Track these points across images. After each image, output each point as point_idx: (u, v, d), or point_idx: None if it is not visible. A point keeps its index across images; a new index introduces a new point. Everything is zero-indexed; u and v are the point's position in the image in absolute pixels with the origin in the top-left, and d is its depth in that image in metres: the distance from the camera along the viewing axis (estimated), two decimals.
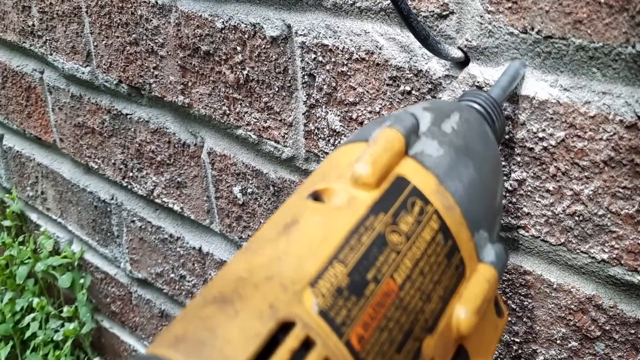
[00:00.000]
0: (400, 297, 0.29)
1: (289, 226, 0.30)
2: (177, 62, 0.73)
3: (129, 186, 0.92)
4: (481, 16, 0.46)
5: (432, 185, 0.34)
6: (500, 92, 0.43)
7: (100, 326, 1.18)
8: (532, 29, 0.43)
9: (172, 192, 0.85)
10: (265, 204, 0.72)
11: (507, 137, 0.48)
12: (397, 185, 0.32)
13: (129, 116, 0.86)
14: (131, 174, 0.90)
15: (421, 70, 0.51)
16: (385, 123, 0.35)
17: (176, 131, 0.79)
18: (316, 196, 0.32)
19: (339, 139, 0.60)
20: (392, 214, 0.31)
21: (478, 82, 0.48)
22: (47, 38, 0.93)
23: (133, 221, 0.96)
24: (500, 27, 0.45)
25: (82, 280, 1.12)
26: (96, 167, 0.97)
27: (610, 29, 0.40)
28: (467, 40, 0.47)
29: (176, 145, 0.80)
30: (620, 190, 0.43)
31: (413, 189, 0.33)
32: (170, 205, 0.86)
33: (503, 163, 0.49)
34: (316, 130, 0.62)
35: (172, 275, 0.93)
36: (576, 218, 0.46)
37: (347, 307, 0.28)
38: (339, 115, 0.59)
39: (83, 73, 0.89)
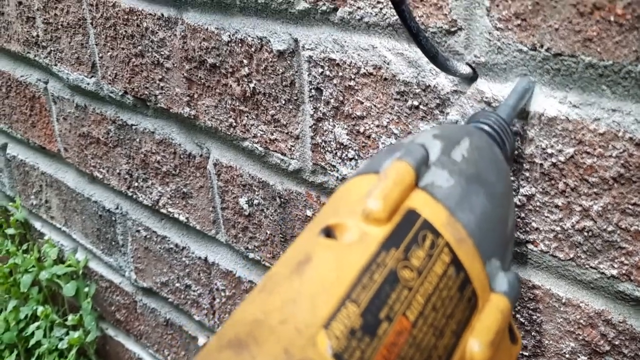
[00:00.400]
0: (413, 334, 0.29)
1: (302, 264, 0.30)
2: (183, 74, 0.73)
3: (134, 196, 0.92)
4: (490, 33, 0.46)
5: (442, 217, 0.33)
6: (510, 111, 0.43)
7: (105, 334, 1.18)
8: (542, 46, 0.44)
9: (177, 202, 0.85)
10: (271, 215, 0.72)
11: (516, 152, 0.48)
12: (408, 219, 0.32)
13: (134, 127, 0.86)
14: (136, 184, 0.90)
15: (429, 86, 0.51)
16: (395, 154, 0.35)
17: (182, 142, 0.79)
18: (328, 232, 0.32)
19: (346, 152, 0.60)
20: (404, 249, 0.31)
21: (486, 98, 0.48)
22: (52, 49, 0.93)
23: (138, 231, 0.96)
24: (509, 44, 0.45)
25: (86, 289, 1.12)
26: (101, 176, 0.97)
27: (621, 47, 0.40)
28: (475, 56, 0.47)
29: (182, 156, 0.80)
30: (630, 206, 0.43)
31: (424, 222, 0.32)
32: (176, 216, 0.86)
33: (512, 178, 0.49)
34: (323, 143, 0.62)
35: (177, 284, 0.93)
36: (585, 234, 0.46)
37: (360, 349, 0.27)
38: (346, 129, 0.59)
39: (88, 84, 0.89)
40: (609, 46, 0.40)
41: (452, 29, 0.48)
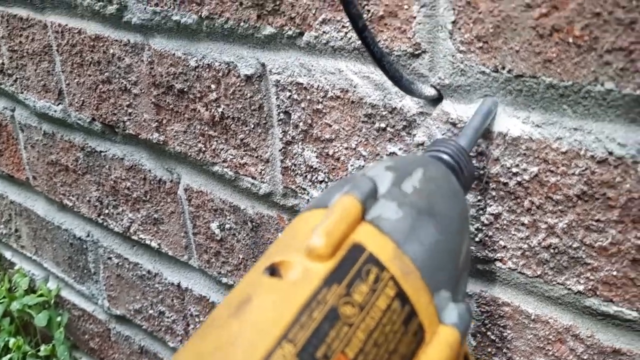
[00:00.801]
0: None
1: (241, 306, 0.29)
2: (151, 100, 0.73)
3: (105, 223, 0.91)
4: (453, 55, 0.47)
5: (389, 250, 0.33)
6: (470, 137, 0.44)
7: None
8: (503, 68, 0.44)
9: (149, 228, 0.84)
10: (243, 239, 0.72)
11: (482, 172, 0.49)
12: (353, 254, 0.32)
13: (103, 153, 0.85)
14: (107, 211, 0.90)
15: (395, 108, 0.52)
16: (344, 189, 0.35)
17: (152, 168, 0.79)
18: (273, 270, 0.31)
19: (316, 175, 0.60)
20: (346, 285, 0.30)
21: (452, 119, 0.49)
22: (18, 76, 0.92)
23: (110, 258, 0.95)
24: (472, 66, 0.46)
25: (59, 318, 1.11)
26: (71, 204, 0.96)
27: (580, 68, 0.41)
28: (439, 78, 0.48)
29: (152, 182, 0.80)
30: (594, 223, 0.44)
31: (369, 257, 0.32)
32: (148, 242, 0.86)
33: (478, 197, 0.50)
34: (293, 167, 0.62)
35: (151, 311, 0.93)
36: (552, 250, 0.47)
37: None
38: (315, 152, 0.59)
39: (55, 111, 0.89)
40: (569, 67, 0.41)
41: (416, 52, 0.49)
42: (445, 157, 0.43)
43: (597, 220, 0.44)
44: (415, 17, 0.48)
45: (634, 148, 0.41)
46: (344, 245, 0.32)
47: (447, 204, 0.38)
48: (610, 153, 0.42)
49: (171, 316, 0.89)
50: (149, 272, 0.89)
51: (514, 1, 0.42)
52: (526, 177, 0.46)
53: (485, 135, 0.47)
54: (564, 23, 0.41)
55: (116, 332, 1.03)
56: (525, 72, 0.44)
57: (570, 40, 0.41)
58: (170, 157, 0.76)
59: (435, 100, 0.50)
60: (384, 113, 0.53)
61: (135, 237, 0.87)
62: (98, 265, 0.99)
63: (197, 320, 0.86)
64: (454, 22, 0.46)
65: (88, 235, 0.97)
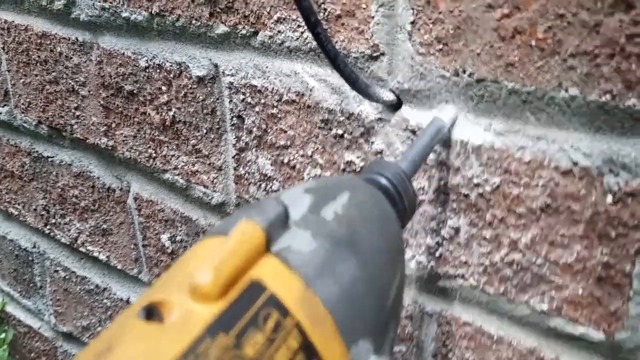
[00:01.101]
0: None
1: (102, 355, 0.24)
2: (100, 102, 0.70)
3: (52, 233, 0.89)
4: (412, 58, 0.45)
5: (295, 290, 0.28)
6: (414, 158, 0.42)
7: None
8: (464, 71, 0.43)
9: (97, 239, 0.82)
10: None
11: (442, 183, 0.47)
12: (249, 294, 0.27)
13: (50, 159, 0.83)
14: (54, 221, 0.87)
15: (353, 114, 0.50)
16: (248, 213, 0.30)
17: (100, 175, 0.77)
18: (150, 311, 0.26)
19: (271, 184, 0.59)
20: (237, 334, 0.25)
21: (411, 126, 0.47)
22: None
23: (57, 271, 0.92)
24: (432, 70, 0.45)
25: (3, 335, 1.07)
26: (17, 213, 0.93)
27: (543, 73, 0.40)
28: (398, 82, 0.47)
29: (101, 190, 0.78)
30: (558, 238, 0.43)
31: (269, 298, 0.27)
32: (96, 254, 0.83)
33: (439, 209, 0.48)
34: (247, 175, 0.60)
35: (99, 328, 0.90)
36: (515, 267, 0.46)
37: None
38: (270, 159, 0.57)
39: (0, 113, 0.86)
40: (531, 71, 0.40)
41: (375, 54, 0.47)
42: (381, 180, 0.40)
43: (562, 235, 0.43)
44: (373, 17, 0.46)
45: (600, 158, 0.40)
46: (240, 283, 0.27)
47: (376, 234, 0.34)
48: (575, 164, 0.41)
49: None
50: (97, 286, 0.86)
51: (475, 1, 0.41)
52: (488, 188, 0.45)
53: (445, 143, 0.46)
54: (526, 25, 0.39)
55: (63, 350, 1.00)
56: (487, 76, 0.42)
57: (533, 43, 0.39)
58: (119, 163, 0.74)
59: (395, 106, 0.48)
60: (341, 119, 0.51)
61: (82, 249, 0.85)
62: (44, 279, 0.96)
63: None
64: (412, 23, 0.44)
65: (34, 247, 0.94)
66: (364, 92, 0.46)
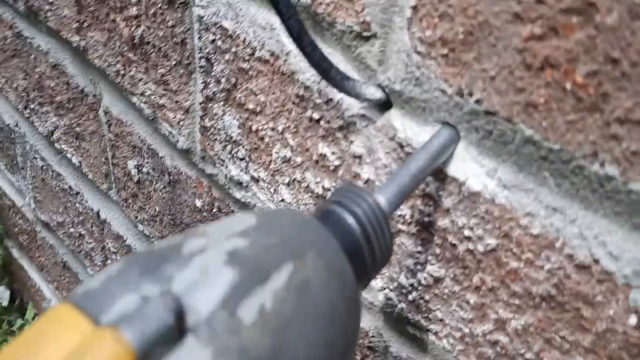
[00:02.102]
0: None
1: None
2: None
3: (31, 119, 0.81)
4: (408, 55, 0.33)
5: None
6: (396, 192, 0.32)
7: (9, 252, 1.11)
8: (470, 94, 0.31)
9: (71, 140, 0.74)
10: (160, 190, 0.61)
11: (426, 219, 0.37)
12: None
13: (29, 40, 0.74)
14: (32, 106, 0.79)
15: (332, 99, 0.39)
16: (139, 289, 0.22)
17: (74, 74, 0.68)
18: None
19: (237, 150, 0.49)
20: None
21: (399, 138, 0.36)
22: None
23: (35, 158, 0.86)
24: (431, 78, 0.33)
25: None
26: (0, 86, 0.86)
27: (574, 131, 0.28)
28: (389, 79, 0.35)
29: (74, 91, 0.69)
30: (558, 339, 0.33)
31: None
32: (69, 156, 0.76)
33: (419, 248, 0.38)
34: (213, 130, 0.50)
35: (72, 230, 0.84)
36: (498, 349, 0.36)
37: None
38: (237, 120, 0.47)
39: None
40: (559, 124, 0.28)
41: (365, 34, 0.35)
42: (350, 222, 0.30)
43: (563, 338, 0.33)
44: None
45: (631, 266, 0.29)
46: None
47: (320, 339, 0.25)
48: (596, 261, 0.30)
49: (90, 243, 0.81)
50: (70, 188, 0.80)
51: (498, 3, 0.29)
52: (480, 247, 0.34)
53: (437, 175, 0.35)
54: (562, 58, 0.27)
55: (42, 236, 0.96)
56: (499, 110, 0.31)
57: (568, 86, 0.27)
58: (92, 68, 0.64)
59: (383, 105, 0.37)
60: (318, 101, 0.40)
61: (57, 146, 0.77)
62: (25, 161, 0.89)
63: (114, 256, 0.77)
64: (414, 8, 0.32)
65: (16, 126, 0.87)
66: (340, 85, 0.34)
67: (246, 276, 0.24)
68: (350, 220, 0.29)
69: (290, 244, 0.26)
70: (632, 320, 0.30)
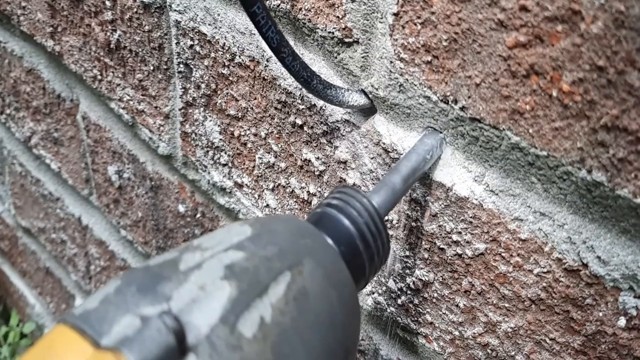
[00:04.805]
0: None
1: None
2: None
3: (7, 124, 0.80)
4: (391, 62, 0.33)
5: None
6: (389, 194, 0.31)
7: None
8: (455, 102, 0.31)
9: (49, 146, 0.73)
10: (142, 196, 0.61)
11: (414, 224, 0.37)
12: None
13: (2, 44, 0.73)
14: (9, 112, 0.78)
15: (315, 105, 0.39)
16: (140, 307, 0.21)
17: (50, 79, 0.67)
18: None
19: (219, 155, 0.48)
20: None
21: (384, 143, 0.36)
22: None
23: (14, 163, 0.84)
24: (415, 85, 0.33)
25: None
26: None
27: (561, 138, 0.28)
28: (372, 86, 0.35)
29: (51, 96, 0.68)
30: (548, 340, 0.33)
31: None
32: (48, 162, 0.75)
33: (407, 252, 0.38)
34: (194, 135, 0.50)
35: (53, 235, 0.83)
36: (488, 351, 0.36)
37: None
38: (219, 126, 0.47)
39: None
40: (546, 131, 0.28)
41: (347, 40, 0.35)
42: (346, 225, 0.29)
43: (553, 340, 0.33)
44: None
45: (619, 270, 0.29)
46: None
47: (320, 348, 0.25)
48: (585, 265, 0.30)
49: (73, 248, 0.80)
50: (50, 193, 0.79)
51: (481, 11, 0.28)
52: (469, 252, 0.34)
53: (424, 180, 0.35)
54: (548, 66, 0.27)
55: (23, 242, 0.95)
56: (485, 117, 0.30)
57: (554, 93, 0.27)
58: (68, 72, 0.63)
59: (367, 111, 0.37)
60: (301, 107, 0.40)
61: (36, 152, 0.76)
62: (4, 167, 0.88)
63: (98, 263, 0.76)
64: (396, 15, 0.32)
65: None
66: (323, 95, 0.34)
67: (244, 289, 0.24)
68: (347, 222, 0.29)
69: (286, 253, 0.26)
70: (622, 322, 0.30)
